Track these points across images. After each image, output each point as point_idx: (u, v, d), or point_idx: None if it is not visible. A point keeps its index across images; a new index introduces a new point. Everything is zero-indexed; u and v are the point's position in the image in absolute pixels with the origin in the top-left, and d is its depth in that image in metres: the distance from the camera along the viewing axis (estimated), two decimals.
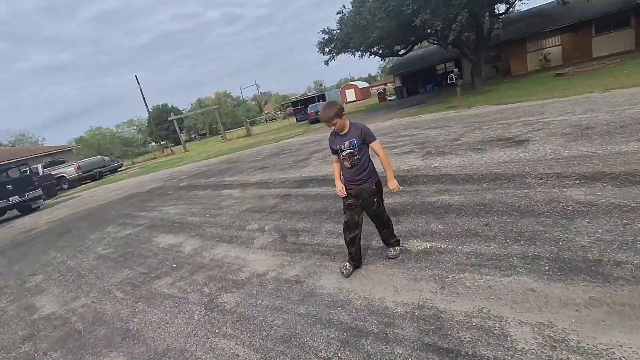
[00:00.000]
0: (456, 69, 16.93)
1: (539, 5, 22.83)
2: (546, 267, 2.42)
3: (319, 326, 2.41)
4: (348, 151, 2.70)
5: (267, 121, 56.87)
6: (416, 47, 24.02)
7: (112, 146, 46.21)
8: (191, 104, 75.91)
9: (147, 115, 44.74)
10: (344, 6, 19.50)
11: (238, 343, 2.44)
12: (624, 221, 2.75)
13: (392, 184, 2.80)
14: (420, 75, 28.68)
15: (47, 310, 3.87)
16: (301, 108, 37.60)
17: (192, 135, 71.85)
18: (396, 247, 3.08)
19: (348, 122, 2.71)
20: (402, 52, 22.65)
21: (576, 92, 9.53)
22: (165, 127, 61.19)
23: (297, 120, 34.85)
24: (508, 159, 4.95)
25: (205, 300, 3.18)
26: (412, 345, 2.02)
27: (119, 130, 62.41)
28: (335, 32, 20.07)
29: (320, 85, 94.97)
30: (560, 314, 1.99)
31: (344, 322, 2.38)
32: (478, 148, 5.96)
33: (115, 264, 4.85)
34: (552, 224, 2.96)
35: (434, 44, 21.99)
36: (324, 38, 20.59)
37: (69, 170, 21.53)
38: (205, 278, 3.65)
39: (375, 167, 2.88)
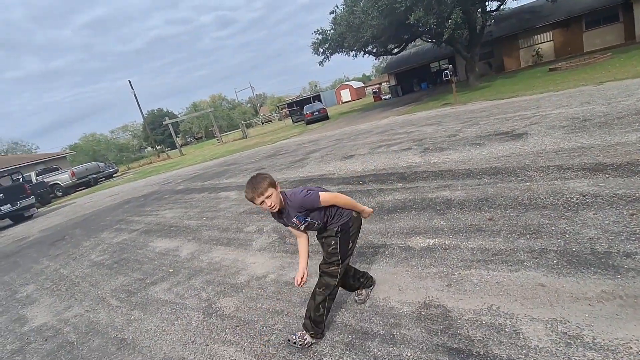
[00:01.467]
0: (450, 66, 16.92)
1: (529, 3, 22.94)
2: (555, 261, 2.35)
3: None
4: (304, 226, 2.16)
5: (263, 123, 56.78)
6: (410, 45, 24.02)
7: (107, 152, 45.79)
8: (186, 108, 75.55)
9: (142, 120, 44.48)
10: (336, 6, 19.48)
11: (238, 349, 2.35)
12: (630, 211, 2.69)
13: (365, 212, 2.29)
14: (414, 73, 28.72)
15: (39, 322, 3.73)
16: (297, 109, 37.67)
17: (188, 139, 71.57)
18: (305, 335, 2.19)
19: (281, 196, 2.08)
20: (395, 50, 22.62)
21: (570, 85, 9.52)
22: (161, 132, 60.89)
23: (293, 122, 34.86)
24: (507, 153, 4.89)
25: (204, 305, 3.08)
26: (421, 347, 1.93)
27: (114, 136, 61.90)
28: (328, 32, 20.04)
29: (316, 86, 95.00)
30: (573, 309, 1.92)
31: (348, 324, 2.29)
32: (476, 143, 5.90)
33: (110, 270, 4.72)
34: (557, 216, 2.89)
35: (428, 41, 21.99)
36: (317, 39, 20.55)
37: (63, 178, 21.28)
38: (203, 282, 3.55)
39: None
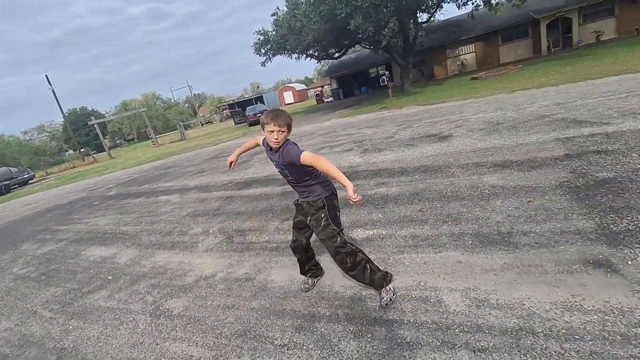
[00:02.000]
0: (387, 72, 18.03)
1: (455, 16, 25.38)
2: (470, 242, 2.78)
3: (273, 317, 2.47)
4: (279, 170, 2.34)
5: (202, 124, 54.52)
6: (350, 50, 25.01)
7: (19, 156, 40.32)
8: (115, 107, 69.62)
9: (62, 119, 39.96)
10: (278, 8, 19.58)
11: (191, 344, 2.40)
12: (528, 199, 3.26)
13: (350, 190, 1.99)
14: (354, 77, 29.93)
15: None
16: (239, 110, 36.84)
17: (118, 141, 65.92)
18: (386, 289, 2.33)
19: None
20: (336, 55, 23.40)
21: (488, 93, 10.83)
22: (85, 133, 55.36)
23: (236, 123, 34.07)
24: (435, 153, 5.48)
25: (150, 308, 3.03)
26: (362, 322, 2.19)
27: (27, 138, 54.69)
28: (270, 33, 20.04)
29: (258, 87, 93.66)
30: (483, 279, 2.32)
31: (297, 310, 2.48)
32: (410, 144, 6.49)
33: (37, 283, 4.32)
34: (473, 205, 3.39)
35: (366, 48, 23.13)
36: (259, 39, 20.43)
37: None
38: (148, 287, 3.46)
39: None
